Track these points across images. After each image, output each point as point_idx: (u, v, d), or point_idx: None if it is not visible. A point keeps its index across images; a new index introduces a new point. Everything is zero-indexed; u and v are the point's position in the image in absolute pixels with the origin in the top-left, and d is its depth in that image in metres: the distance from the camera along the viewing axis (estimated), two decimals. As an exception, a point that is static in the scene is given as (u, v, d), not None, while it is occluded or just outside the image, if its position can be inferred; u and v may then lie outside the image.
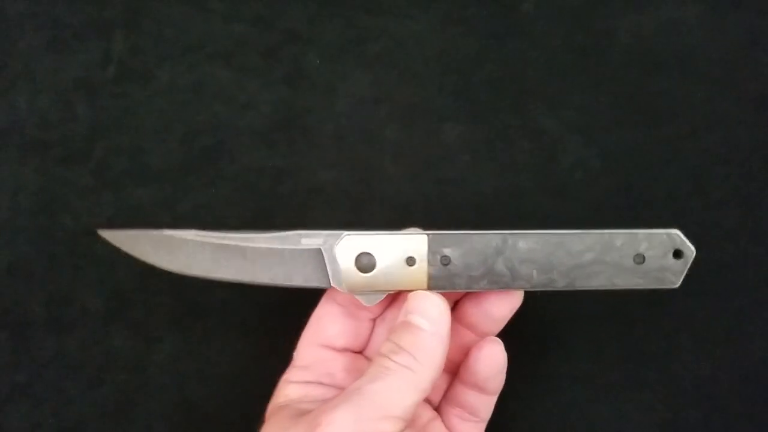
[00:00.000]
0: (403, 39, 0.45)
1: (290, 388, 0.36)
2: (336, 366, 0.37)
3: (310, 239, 0.35)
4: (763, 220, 0.43)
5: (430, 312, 0.33)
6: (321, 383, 0.36)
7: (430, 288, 0.34)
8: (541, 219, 0.43)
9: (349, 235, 0.34)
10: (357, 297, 0.35)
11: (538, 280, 0.34)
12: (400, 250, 0.34)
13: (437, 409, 0.38)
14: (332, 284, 0.35)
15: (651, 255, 0.34)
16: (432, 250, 0.34)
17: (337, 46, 0.45)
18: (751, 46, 0.45)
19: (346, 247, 0.34)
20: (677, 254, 0.34)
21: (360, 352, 0.38)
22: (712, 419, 0.42)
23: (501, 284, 0.34)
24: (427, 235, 0.34)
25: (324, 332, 0.37)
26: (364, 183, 0.44)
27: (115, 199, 0.44)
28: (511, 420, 0.42)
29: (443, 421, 0.37)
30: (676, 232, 0.34)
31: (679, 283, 0.34)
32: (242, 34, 0.46)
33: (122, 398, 0.43)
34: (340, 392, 0.32)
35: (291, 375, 0.36)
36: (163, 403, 0.43)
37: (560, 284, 0.34)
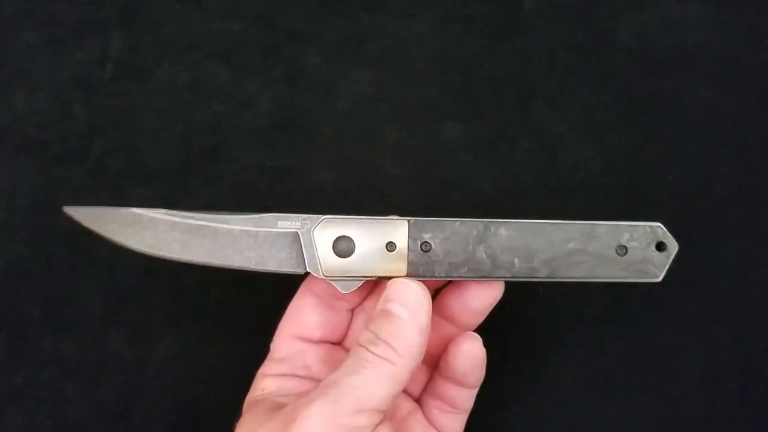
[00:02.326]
0: (404, 38, 0.45)
1: (266, 382, 0.35)
2: (312, 358, 0.36)
3: (286, 222, 0.34)
4: (766, 219, 0.43)
5: (409, 300, 0.32)
6: (297, 376, 0.36)
7: (409, 275, 0.34)
8: (542, 218, 0.43)
9: (327, 218, 0.34)
10: (334, 284, 0.34)
11: (519, 269, 0.34)
12: (379, 235, 0.34)
13: (417, 400, 0.38)
14: (308, 269, 0.34)
15: (633, 246, 0.34)
16: (412, 236, 0.34)
17: (337, 45, 0.45)
18: (753, 45, 0.45)
19: (324, 230, 0.34)
20: (660, 247, 0.34)
21: (338, 343, 0.38)
22: (712, 420, 0.42)
23: (482, 272, 0.34)
24: (408, 220, 0.34)
25: (300, 324, 0.36)
26: (364, 183, 0.44)
27: (113, 198, 0.44)
28: (511, 420, 0.42)
29: (423, 412, 0.37)
30: (659, 224, 0.34)
31: (662, 276, 0.34)
32: (241, 33, 0.45)
33: (120, 399, 0.43)
34: (316, 385, 0.32)
35: (267, 368, 0.36)
36: (161, 405, 0.43)
37: (542, 274, 0.34)
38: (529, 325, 0.43)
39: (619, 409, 0.42)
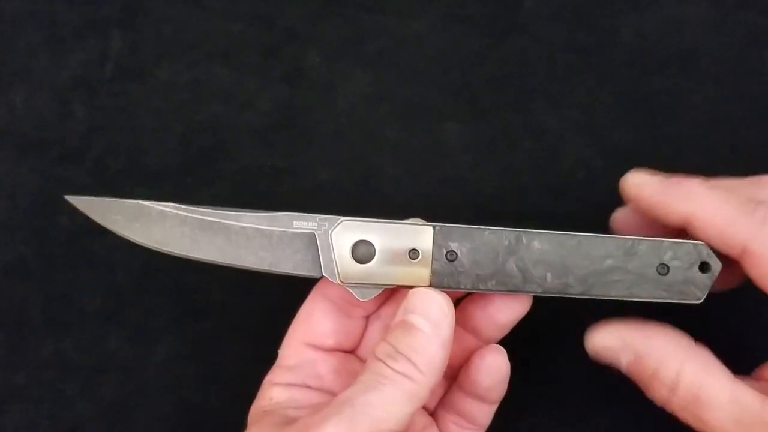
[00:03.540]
0: (404, 38, 0.45)
1: (274, 391, 0.33)
2: (324, 367, 0.34)
3: (302, 222, 0.32)
4: (766, 220, 0.43)
5: (432, 312, 0.30)
6: (308, 386, 0.34)
7: (432, 285, 0.32)
8: (543, 219, 0.43)
9: (346, 220, 0.32)
10: (350, 290, 0.32)
11: (552, 285, 0.32)
12: (402, 241, 0.32)
13: (433, 414, 0.36)
14: (324, 274, 0.32)
15: (676, 266, 0.32)
16: (437, 244, 0.32)
17: (337, 45, 0.45)
18: (754, 45, 0.45)
19: (342, 233, 0.32)
20: (703, 267, 0.32)
21: (351, 352, 0.36)
22: (713, 420, 0.42)
23: (510, 286, 0.32)
24: (433, 227, 0.32)
25: (312, 330, 0.34)
26: (364, 183, 0.44)
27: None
28: (511, 422, 0.42)
29: (439, 427, 0.35)
30: (703, 243, 0.32)
31: (704, 298, 0.32)
32: (241, 33, 0.45)
33: (120, 400, 0.42)
34: (328, 397, 0.31)
35: (275, 376, 0.34)
36: (162, 405, 0.43)
37: (575, 291, 0.32)
38: (528, 326, 0.43)
39: (619, 409, 0.42)
